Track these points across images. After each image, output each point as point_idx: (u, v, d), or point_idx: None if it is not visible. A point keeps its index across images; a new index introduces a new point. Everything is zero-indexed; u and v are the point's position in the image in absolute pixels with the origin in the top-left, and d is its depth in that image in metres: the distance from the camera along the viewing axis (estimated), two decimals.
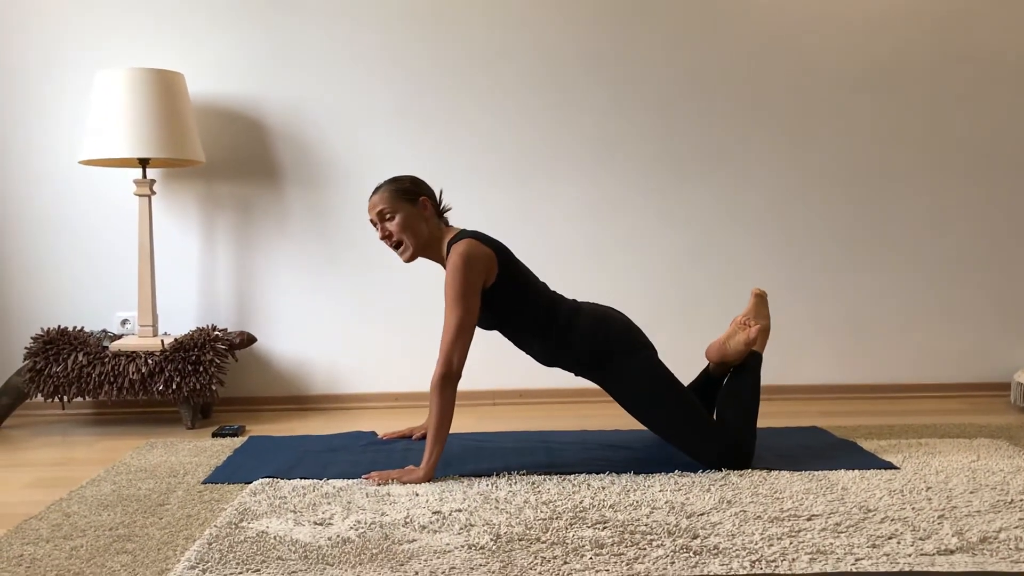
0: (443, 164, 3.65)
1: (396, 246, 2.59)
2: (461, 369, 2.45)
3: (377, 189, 2.59)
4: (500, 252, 2.54)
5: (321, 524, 2.09)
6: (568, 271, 3.68)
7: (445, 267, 2.53)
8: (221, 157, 3.61)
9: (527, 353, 2.69)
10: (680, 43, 3.69)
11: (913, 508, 2.17)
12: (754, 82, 3.72)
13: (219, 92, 3.59)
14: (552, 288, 2.70)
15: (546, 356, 2.66)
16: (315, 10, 3.60)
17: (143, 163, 3.32)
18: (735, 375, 2.72)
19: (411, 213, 2.56)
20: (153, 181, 3.36)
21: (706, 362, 2.85)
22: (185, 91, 3.35)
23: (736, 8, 3.69)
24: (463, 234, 2.54)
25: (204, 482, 2.50)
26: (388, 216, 2.56)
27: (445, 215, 2.68)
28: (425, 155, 3.65)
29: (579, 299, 2.74)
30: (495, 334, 2.70)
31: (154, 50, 3.54)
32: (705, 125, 3.72)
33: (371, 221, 2.61)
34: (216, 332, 3.36)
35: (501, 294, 2.53)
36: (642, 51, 3.68)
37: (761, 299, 2.78)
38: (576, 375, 2.69)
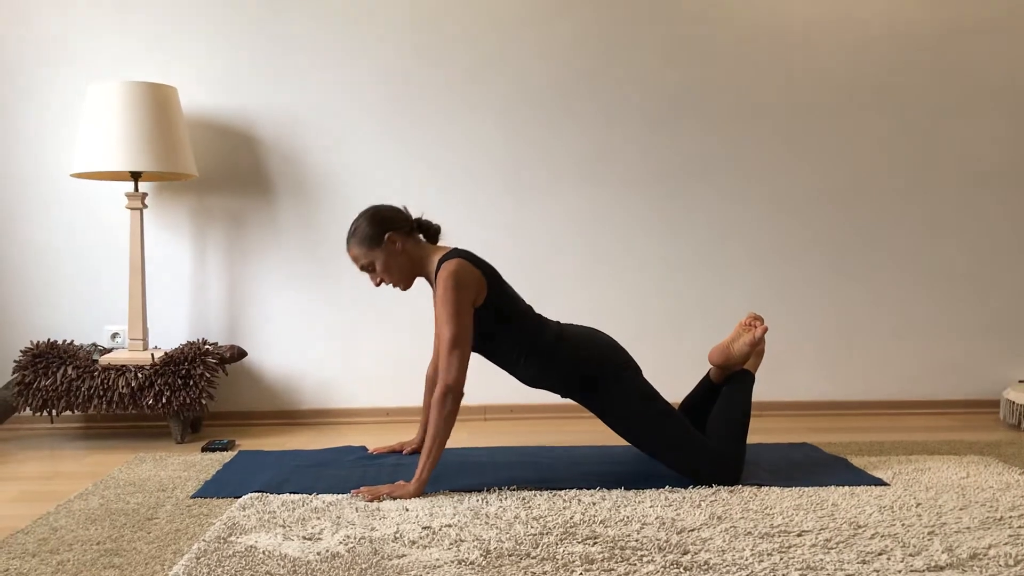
0: (434, 178, 3.66)
1: (389, 284, 2.62)
2: (463, 383, 2.44)
3: (348, 242, 2.60)
4: (489, 274, 2.54)
5: (310, 539, 2.08)
6: (559, 284, 3.70)
7: (434, 285, 2.52)
8: (213, 171, 3.61)
9: (512, 375, 2.69)
10: (671, 58, 3.71)
11: (903, 524, 2.17)
12: (745, 97, 3.74)
13: (212, 106, 3.60)
14: (543, 304, 2.70)
15: (531, 379, 2.67)
16: (307, 25, 3.61)
17: (135, 176, 3.32)
18: (728, 393, 2.71)
19: (386, 255, 2.55)
20: (145, 195, 3.36)
21: (697, 372, 2.85)
22: (178, 105, 3.36)
23: (727, 24, 3.72)
24: (452, 253, 2.53)
25: (193, 496, 2.49)
26: (366, 267, 2.59)
27: (431, 231, 2.66)
28: (416, 169, 3.66)
29: (569, 315, 2.75)
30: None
31: (147, 64, 3.55)
32: (695, 140, 3.74)
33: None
34: (206, 346, 3.35)
35: (488, 315, 2.52)
36: (633, 66, 3.71)
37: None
38: (562, 397, 2.69)
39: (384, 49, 3.63)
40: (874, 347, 3.84)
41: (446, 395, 2.41)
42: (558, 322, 2.70)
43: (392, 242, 2.54)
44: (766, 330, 2.70)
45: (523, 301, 2.66)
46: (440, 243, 2.68)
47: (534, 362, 2.61)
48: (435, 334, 2.46)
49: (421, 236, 2.64)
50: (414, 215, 2.65)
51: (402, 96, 3.65)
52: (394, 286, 2.61)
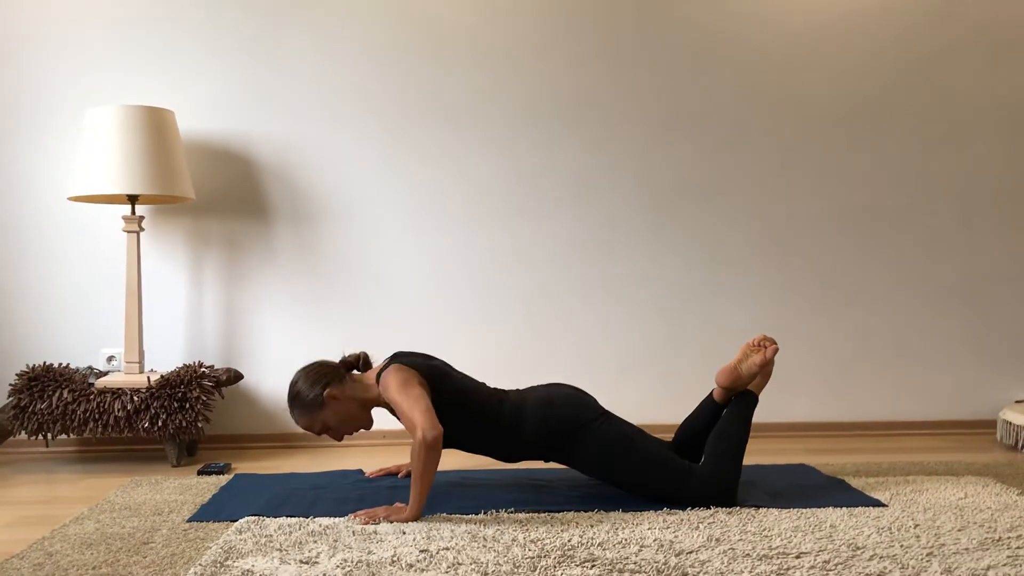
0: (430, 201, 3.67)
1: (352, 432, 2.65)
2: (437, 432, 2.36)
3: (292, 414, 2.61)
4: (426, 369, 2.57)
5: (307, 563, 2.07)
6: (557, 306, 3.70)
7: (385, 401, 2.55)
8: (210, 194, 3.62)
9: (490, 457, 2.69)
10: (667, 85, 3.74)
11: (902, 546, 2.17)
12: (739, 123, 3.77)
13: (210, 129, 3.61)
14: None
15: (504, 455, 2.68)
16: (305, 49, 3.63)
17: (132, 200, 3.33)
18: (729, 414, 2.71)
19: (333, 411, 2.58)
20: (142, 218, 3.37)
21: (695, 393, 2.85)
22: (175, 128, 3.37)
23: (722, 50, 3.75)
24: (385, 364, 2.58)
25: (189, 520, 2.48)
26: (319, 430, 2.61)
27: (361, 362, 2.68)
28: (412, 193, 3.67)
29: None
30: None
31: (145, 88, 3.57)
32: (691, 165, 3.76)
33: None
34: (203, 369, 3.35)
35: (440, 413, 2.48)
36: (629, 92, 3.73)
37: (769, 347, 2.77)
38: (545, 462, 2.70)
39: (382, 73, 3.66)
40: (871, 368, 3.84)
41: (420, 448, 2.35)
42: (517, 390, 2.72)
43: (333, 398, 2.57)
44: (777, 351, 2.70)
45: (474, 382, 2.69)
46: (376, 363, 2.70)
47: (502, 438, 2.63)
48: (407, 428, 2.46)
49: (355, 372, 2.68)
50: (338, 356, 2.69)
51: (399, 120, 3.67)
52: (356, 431, 2.65)
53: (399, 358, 2.61)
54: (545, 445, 2.63)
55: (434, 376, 2.58)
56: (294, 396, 2.60)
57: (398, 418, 2.49)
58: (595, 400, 2.69)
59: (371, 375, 2.63)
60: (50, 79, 3.55)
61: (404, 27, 3.66)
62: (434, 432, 2.36)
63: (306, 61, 3.64)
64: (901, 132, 3.82)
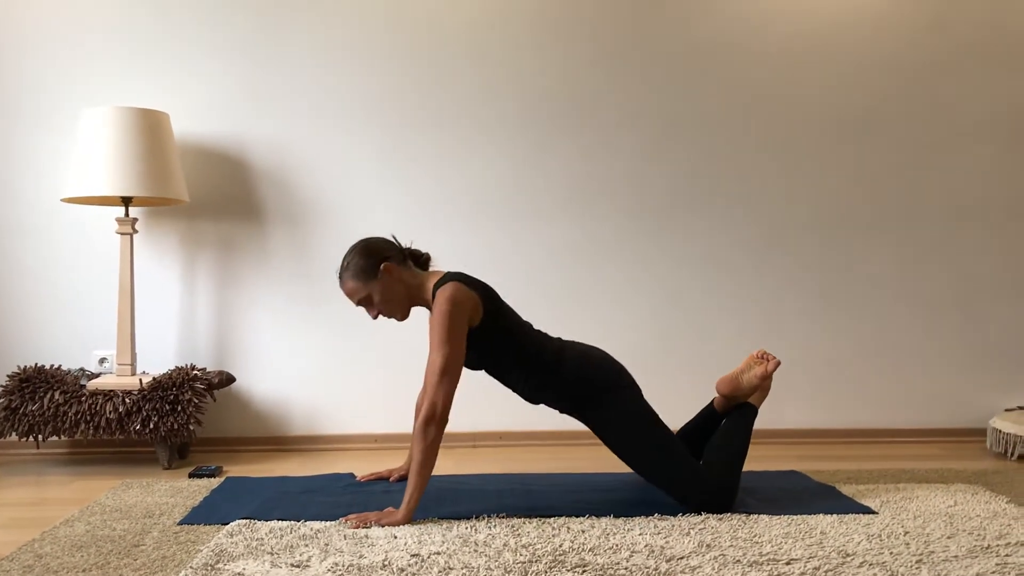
0: (427, 203, 3.68)
1: (388, 316, 2.61)
2: (447, 413, 2.42)
3: (340, 278, 2.58)
4: (485, 294, 2.55)
5: (298, 566, 2.07)
6: (552, 310, 3.70)
7: (431, 310, 2.53)
8: (204, 196, 3.62)
9: (512, 390, 2.68)
10: (662, 90, 3.75)
11: (891, 553, 2.18)
12: (734, 129, 3.78)
13: (204, 131, 3.61)
14: (537, 327, 2.71)
15: (531, 394, 2.67)
16: (300, 51, 3.63)
17: (126, 201, 3.33)
18: (729, 424, 2.72)
19: (383, 286, 2.55)
20: (135, 219, 3.36)
21: (690, 400, 2.86)
22: (170, 130, 3.37)
23: (718, 56, 3.76)
24: (448, 277, 2.54)
25: (180, 523, 2.48)
26: (363, 300, 2.58)
27: (422, 259, 2.67)
28: (409, 194, 3.68)
29: (564, 338, 2.75)
30: (476, 375, 2.71)
31: (140, 89, 3.56)
32: (685, 171, 3.77)
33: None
34: (195, 371, 3.34)
35: (486, 335, 2.53)
36: (624, 97, 3.74)
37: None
38: (561, 412, 2.69)
39: (377, 75, 3.66)
40: (862, 376, 3.85)
41: (428, 423, 2.39)
42: (559, 338, 2.72)
43: (388, 272, 2.55)
44: (778, 364, 2.74)
45: (522, 319, 2.68)
46: (432, 268, 2.69)
47: (535, 377, 2.62)
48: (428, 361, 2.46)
49: (412, 265, 2.65)
50: (404, 244, 2.66)
51: (394, 122, 3.67)
52: (392, 317, 2.61)
53: (460, 276, 2.55)
54: (574, 395, 2.62)
55: (489, 297, 2.55)
56: (349, 262, 2.56)
57: (430, 343, 2.46)
58: (632, 377, 2.70)
59: (430, 276, 2.60)
60: (45, 80, 3.54)
61: (400, 29, 3.66)
62: (442, 414, 2.38)
63: (301, 63, 3.64)
64: (894, 140, 3.83)
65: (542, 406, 2.71)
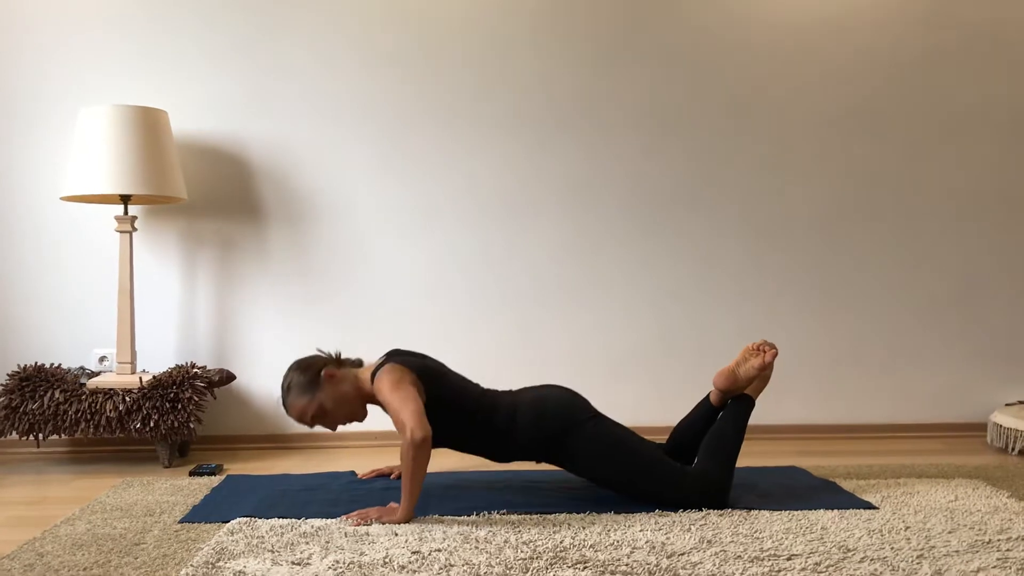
0: (423, 202, 3.67)
1: (347, 421, 2.63)
2: (426, 433, 2.36)
3: (285, 404, 2.60)
4: (423, 369, 2.57)
5: (299, 564, 2.07)
6: (551, 310, 3.71)
7: (378, 400, 2.54)
8: (203, 194, 3.62)
9: (486, 458, 2.70)
10: (660, 87, 3.75)
11: (892, 548, 2.18)
12: (732, 126, 3.78)
13: (203, 130, 3.61)
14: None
15: (499, 457, 2.69)
16: (299, 50, 3.63)
17: (125, 200, 3.32)
18: (724, 416, 2.71)
19: (330, 392, 2.57)
20: (134, 218, 3.36)
21: (687, 396, 2.86)
22: (168, 128, 3.36)
23: (715, 53, 3.76)
24: (383, 364, 2.57)
25: (181, 521, 2.48)
26: (318, 414, 2.59)
27: (355, 361, 2.70)
28: (408, 193, 3.67)
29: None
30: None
31: (138, 87, 3.56)
32: (683, 168, 3.77)
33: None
34: (195, 370, 3.34)
35: (431, 411, 2.49)
36: (622, 94, 3.74)
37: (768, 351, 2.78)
38: (538, 463, 2.71)
39: (375, 74, 3.66)
40: (862, 372, 3.85)
41: (409, 448, 2.35)
42: (510, 391, 2.73)
43: (330, 377, 2.58)
44: (776, 355, 2.71)
45: (468, 383, 2.69)
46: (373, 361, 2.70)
47: (492, 443, 2.64)
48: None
49: (348, 366, 2.68)
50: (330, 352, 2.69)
51: (392, 121, 3.67)
52: (352, 420, 2.63)
53: (394, 357, 2.61)
54: (538, 446, 2.63)
55: (428, 376, 2.58)
56: (289, 384, 2.59)
57: (391, 417, 2.49)
58: (587, 402, 2.70)
59: (366, 372, 2.63)
60: (44, 78, 3.54)
61: (397, 28, 3.66)
62: (422, 432, 2.36)
63: (299, 62, 3.63)
64: (893, 136, 3.83)
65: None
